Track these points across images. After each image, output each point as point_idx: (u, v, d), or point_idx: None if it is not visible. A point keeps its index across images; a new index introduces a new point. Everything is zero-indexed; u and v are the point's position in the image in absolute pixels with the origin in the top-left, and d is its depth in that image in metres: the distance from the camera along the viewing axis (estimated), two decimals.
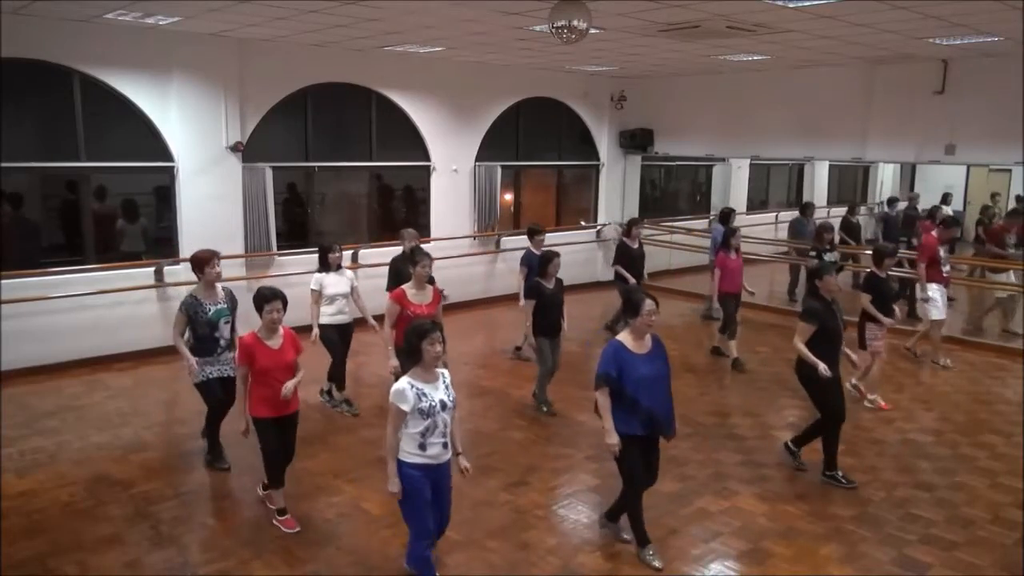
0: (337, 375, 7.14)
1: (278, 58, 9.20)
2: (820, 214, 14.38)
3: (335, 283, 6.98)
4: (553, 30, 6.05)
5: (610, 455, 4.62)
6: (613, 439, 4.45)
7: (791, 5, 6.42)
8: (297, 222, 10.28)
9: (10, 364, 7.74)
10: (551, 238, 11.73)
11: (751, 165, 16.10)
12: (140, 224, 9.09)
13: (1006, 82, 8.86)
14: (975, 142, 9.46)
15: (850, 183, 19.32)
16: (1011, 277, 10.11)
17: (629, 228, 9.60)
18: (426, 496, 4.02)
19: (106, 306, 8.29)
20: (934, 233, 9.08)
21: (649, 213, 14.40)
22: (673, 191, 16.09)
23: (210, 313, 5.68)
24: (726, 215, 10.59)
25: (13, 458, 5.99)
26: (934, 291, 8.64)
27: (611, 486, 5.63)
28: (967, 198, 18.10)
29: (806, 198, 17.37)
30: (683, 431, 6.68)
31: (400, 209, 11.54)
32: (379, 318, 6.46)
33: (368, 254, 10.24)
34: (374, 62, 9.97)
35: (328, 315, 6.94)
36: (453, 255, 11.12)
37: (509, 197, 12.47)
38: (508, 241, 11.70)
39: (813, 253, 9.78)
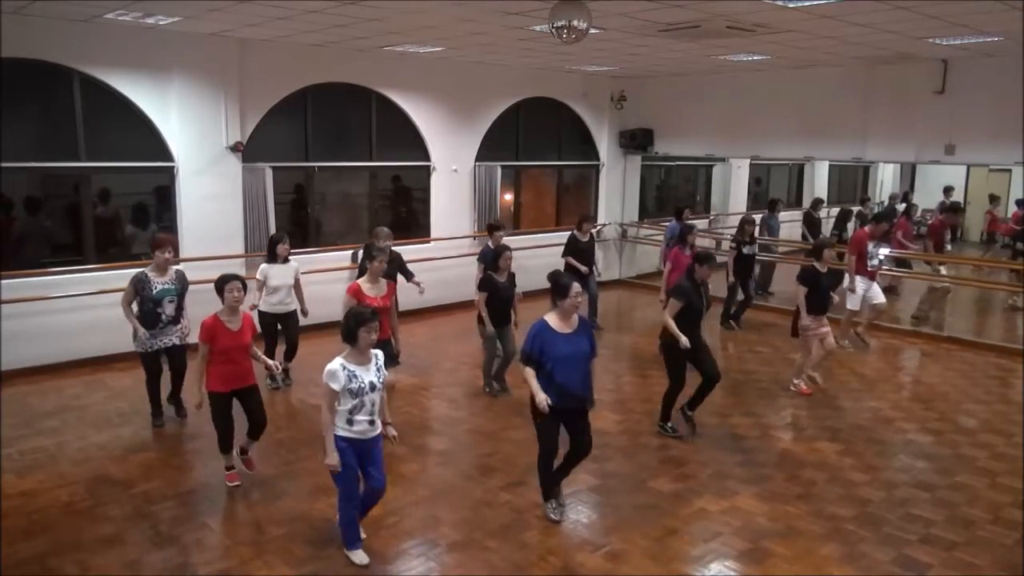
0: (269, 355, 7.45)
1: (278, 58, 9.20)
2: (819, 213, 14.43)
3: (279, 274, 7.42)
4: (553, 30, 6.05)
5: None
6: (541, 396, 4.80)
7: (791, 5, 6.41)
8: (301, 223, 10.28)
9: (10, 364, 7.74)
10: (551, 238, 11.85)
11: (751, 165, 16.11)
12: (152, 231, 9.05)
13: (1006, 82, 8.86)
14: (975, 142, 9.46)
15: (850, 183, 19.34)
16: (942, 272, 10.59)
17: (581, 223, 9.82)
18: (352, 464, 4.39)
19: (106, 306, 8.25)
20: (866, 228, 9.34)
21: (649, 213, 14.46)
22: (673, 191, 16.09)
23: (155, 291, 6.37)
24: (680, 211, 10.89)
25: (13, 458, 5.99)
26: (857, 283, 9.08)
27: (609, 486, 5.65)
28: (967, 198, 18.11)
29: (806, 198, 17.48)
30: (683, 431, 6.72)
31: (401, 209, 11.54)
32: None
33: None
34: (374, 62, 9.97)
35: (269, 304, 7.44)
36: (453, 255, 11.12)
37: (509, 197, 12.47)
38: (508, 241, 11.63)
39: (734, 244, 10.18)
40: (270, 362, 5.70)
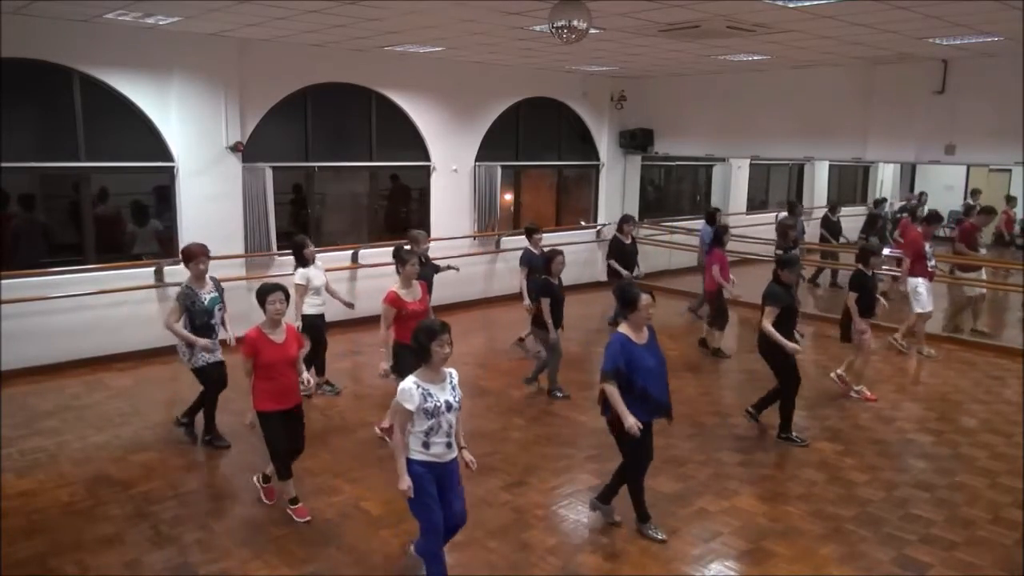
0: (318, 363, 7.54)
1: (278, 58, 9.20)
2: (819, 214, 14.48)
3: (317, 276, 7.38)
4: (553, 30, 6.05)
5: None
6: (630, 420, 4.59)
7: (791, 5, 6.41)
8: (301, 222, 10.28)
9: (10, 364, 7.74)
10: (551, 238, 11.81)
11: (751, 165, 16.11)
12: (152, 226, 9.04)
13: (1006, 82, 8.86)
14: (975, 142, 9.46)
15: (850, 183, 19.32)
16: (982, 276, 10.30)
17: (622, 225, 9.77)
18: (432, 492, 4.06)
19: (106, 306, 8.29)
20: (919, 228, 9.27)
21: (649, 213, 14.46)
22: (673, 191, 16.09)
23: (206, 302, 6.09)
24: (712, 215, 10.89)
25: (13, 458, 5.99)
26: (919, 285, 8.98)
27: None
28: (967, 198, 18.10)
29: (806, 198, 17.47)
30: (684, 431, 6.72)
31: (401, 209, 11.55)
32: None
33: (368, 254, 10.24)
34: (374, 62, 9.97)
35: (315, 305, 7.38)
36: (453, 255, 11.11)
37: (509, 197, 12.47)
38: (508, 241, 11.70)
39: (780, 251, 10.00)
40: (307, 375, 5.24)
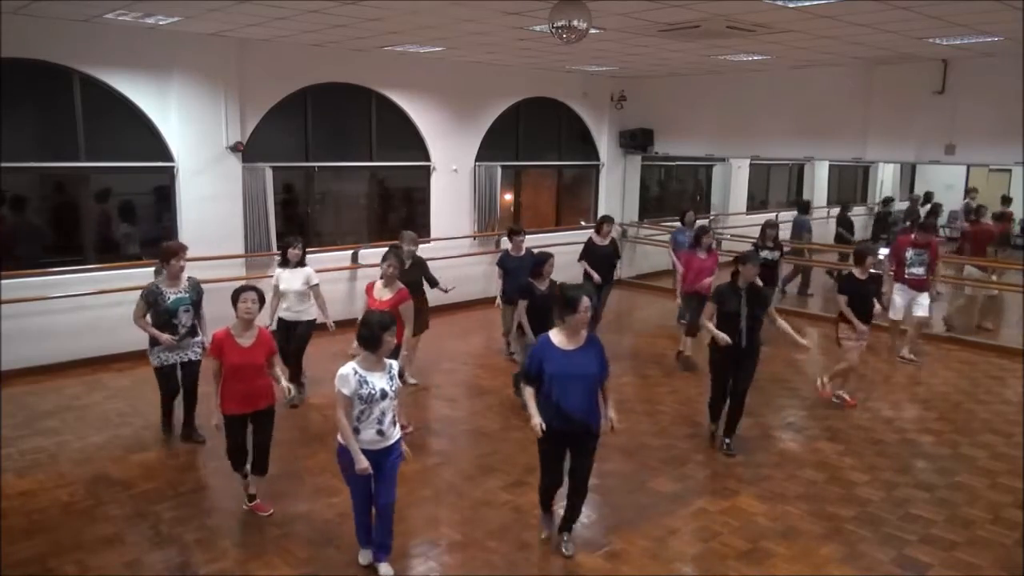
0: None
1: (278, 58, 9.20)
2: (819, 214, 14.50)
3: (286, 279, 7.16)
4: (553, 30, 6.04)
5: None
6: (536, 419, 4.45)
7: (791, 5, 6.41)
8: (301, 223, 10.25)
9: (10, 364, 7.74)
10: (552, 238, 11.84)
11: (751, 165, 16.12)
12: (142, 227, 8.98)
13: (1006, 82, 8.85)
14: (975, 142, 9.45)
15: (850, 183, 19.33)
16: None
17: (600, 225, 9.38)
18: (359, 474, 4.23)
19: (106, 306, 8.28)
20: (911, 235, 9.09)
21: (649, 213, 14.46)
22: (673, 191, 16.09)
23: (169, 301, 6.10)
24: (683, 214, 10.80)
25: (13, 458, 5.99)
26: (894, 291, 8.84)
27: (609, 486, 5.65)
28: (966, 198, 18.10)
29: (806, 198, 17.50)
30: (683, 431, 6.73)
31: (400, 209, 11.55)
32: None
33: (367, 254, 10.23)
34: (374, 62, 9.97)
35: (280, 309, 7.19)
36: (453, 255, 11.12)
37: (509, 197, 12.47)
38: (508, 241, 11.68)
39: (752, 248, 9.82)
40: (284, 385, 5.18)
